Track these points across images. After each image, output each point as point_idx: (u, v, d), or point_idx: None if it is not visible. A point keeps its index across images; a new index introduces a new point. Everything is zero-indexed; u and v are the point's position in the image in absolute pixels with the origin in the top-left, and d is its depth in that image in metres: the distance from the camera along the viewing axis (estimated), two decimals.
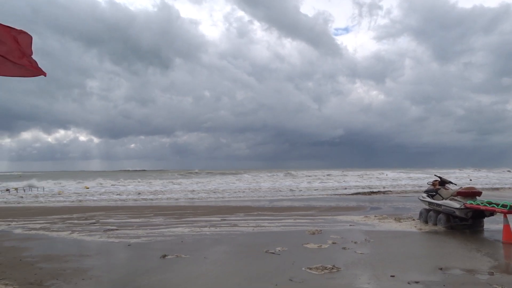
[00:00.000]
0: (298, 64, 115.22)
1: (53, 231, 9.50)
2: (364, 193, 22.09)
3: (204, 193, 23.17)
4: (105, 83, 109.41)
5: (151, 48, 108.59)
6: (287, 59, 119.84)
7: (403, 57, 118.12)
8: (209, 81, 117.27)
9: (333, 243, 7.48)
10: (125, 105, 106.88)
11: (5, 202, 18.81)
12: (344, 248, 6.99)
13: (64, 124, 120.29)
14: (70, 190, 25.25)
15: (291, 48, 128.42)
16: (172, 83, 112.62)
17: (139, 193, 22.95)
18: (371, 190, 24.45)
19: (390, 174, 47.90)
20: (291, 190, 25.13)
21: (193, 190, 25.04)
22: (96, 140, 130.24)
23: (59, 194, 22.66)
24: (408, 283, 4.89)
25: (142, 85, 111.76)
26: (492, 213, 8.44)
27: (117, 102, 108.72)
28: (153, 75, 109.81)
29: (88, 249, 7.37)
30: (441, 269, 5.51)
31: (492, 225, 9.20)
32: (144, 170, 67.22)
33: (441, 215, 9.22)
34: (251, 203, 17.01)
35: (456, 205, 8.76)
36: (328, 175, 45.68)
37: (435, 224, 9.31)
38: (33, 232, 9.43)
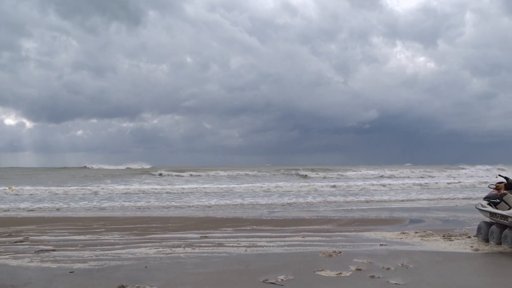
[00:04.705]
0: (315, 19, 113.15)
1: None
2: None
3: (173, 197, 23.14)
4: (47, 45, 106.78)
5: None
6: (301, 12, 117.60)
7: (463, 10, 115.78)
8: (194, 42, 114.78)
9: (358, 269, 7.49)
10: (73, 76, 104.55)
11: None
12: (372, 277, 7.00)
13: None
14: None
15: None
16: (143, 45, 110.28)
17: (85, 199, 22.88)
18: None
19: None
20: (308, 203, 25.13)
21: (161, 193, 25.07)
22: (29, 124, 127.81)
23: None
24: None
25: (100, 48, 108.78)
26: None
27: (63, 70, 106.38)
28: (116, 34, 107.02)
29: (13, 278, 7.32)
30: None
31: None
32: (89, 167, 67.04)
33: (507, 231, 9.24)
34: (242, 213, 17.03)
35: None
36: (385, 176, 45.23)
37: (499, 243, 9.34)
38: None
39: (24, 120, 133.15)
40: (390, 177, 44.37)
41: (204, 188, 29.04)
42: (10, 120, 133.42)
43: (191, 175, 46.37)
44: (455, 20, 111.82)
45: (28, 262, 8.43)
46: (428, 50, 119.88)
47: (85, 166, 68.03)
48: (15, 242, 10.72)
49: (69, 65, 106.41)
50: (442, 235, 10.83)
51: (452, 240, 10.24)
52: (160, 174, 47.11)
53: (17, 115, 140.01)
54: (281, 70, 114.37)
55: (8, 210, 18.77)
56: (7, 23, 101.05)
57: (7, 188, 27.54)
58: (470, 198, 22.60)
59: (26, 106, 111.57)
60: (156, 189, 28.56)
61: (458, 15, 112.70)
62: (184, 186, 30.46)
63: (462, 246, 9.64)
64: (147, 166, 65.46)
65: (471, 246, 9.51)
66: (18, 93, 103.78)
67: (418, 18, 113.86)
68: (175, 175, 45.99)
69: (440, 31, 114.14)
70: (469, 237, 10.56)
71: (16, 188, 28.09)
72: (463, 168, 56.31)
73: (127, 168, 63.51)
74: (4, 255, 9.06)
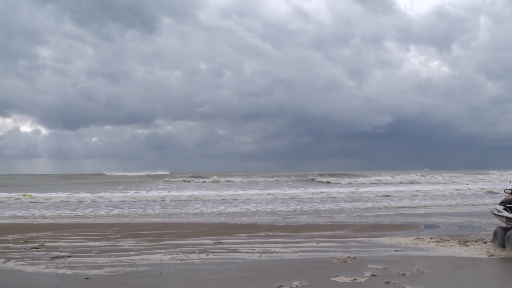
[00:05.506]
0: (328, 24, 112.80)
1: None
2: None
3: (188, 203, 23.17)
4: (62, 52, 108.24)
5: (130, 3, 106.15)
6: (313, 17, 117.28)
7: (477, 13, 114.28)
8: (207, 48, 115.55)
9: (373, 275, 7.45)
10: (88, 83, 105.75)
11: None
12: (387, 283, 6.96)
13: (2, 109, 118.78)
14: (5, 201, 25.37)
15: (319, 1, 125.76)
16: (157, 52, 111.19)
17: (103, 206, 23.00)
18: None
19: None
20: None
21: (177, 199, 25.14)
22: (44, 131, 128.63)
23: None
24: None
25: (114, 55, 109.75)
26: None
27: (78, 78, 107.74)
28: (131, 41, 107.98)
29: (29, 284, 7.38)
30: None
31: None
32: (104, 173, 67.57)
33: None
34: (256, 219, 17.01)
35: None
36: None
37: None
38: None
39: (40, 127, 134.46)
40: (412, 182, 44.11)
41: (218, 194, 29.05)
42: (26, 127, 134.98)
43: (204, 181, 46.52)
44: (469, 24, 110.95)
45: (44, 268, 8.49)
46: (442, 55, 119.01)
47: (103, 173, 68.44)
48: (31, 248, 10.81)
49: (84, 72, 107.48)
50: (457, 241, 10.74)
51: (468, 246, 10.14)
52: (166, 180, 47.44)
53: (33, 122, 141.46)
54: (294, 76, 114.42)
55: (24, 217, 18.93)
56: (24, 31, 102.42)
57: (22, 195, 27.81)
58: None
59: (42, 113, 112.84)
60: (173, 195, 28.61)
61: (472, 19, 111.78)
62: (197, 193, 30.51)
63: (478, 251, 9.54)
64: (165, 173, 65.57)
65: (487, 252, 9.41)
66: (34, 100, 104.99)
67: (432, 22, 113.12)
68: (198, 182, 46.23)
69: (454, 35, 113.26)
70: (485, 242, 10.45)
71: (32, 194, 28.35)
72: (488, 173, 55.33)
73: (147, 175, 63.59)
74: (20, 261, 9.14)
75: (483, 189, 32.63)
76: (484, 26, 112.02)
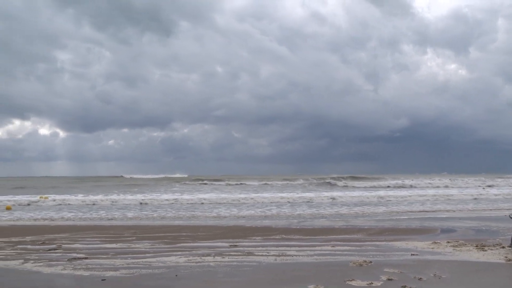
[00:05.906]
0: (344, 27, 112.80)
1: None
2: None
3: (199, 206, 23.25)
4: (81, 56, 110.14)
5: (148, 8, 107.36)
6: (330, 20, 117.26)
7: (495, 16, 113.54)
8: (224, 51, 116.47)
9: (389, 279, 7.41)
10: (105, 86, 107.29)
11: None
12: (404, 287, 6.92)
13: (21, 112, 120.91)
14: (23, 203, 25.64)
15: (335, 4, 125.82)
16: (174, 55, 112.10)
17: (115, 207, 23.15)
18: None
19: None
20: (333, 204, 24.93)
21: (192, 203, 25.23)
22: (62, 134, 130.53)
23: (8, 209, 23.00)
24: None
25: (132, 59, 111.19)
26: None
27: (96, 81, 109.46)
28: (148, 45, 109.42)
29: (46, 285, 7.46)
30: None
31: None
32: (122, 176, 68.11)
33: None
34: (271, 222, 17.01)
35: None
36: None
37: None
38: None
39: (58, 130, 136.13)
40: (430, 186, 43.76)
41: (233, 197, 29.10)
42: (44, 130, 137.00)
43: (220, 184, 46.73)
44: (487, 27, 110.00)
45: (61, 269, 8.58)
46: (459, 57, 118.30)
47: (122, 176, 69.05)
48: (49, 250, 10.92)
49: (102, 76, 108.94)
50: (475, 245, 10.63)
51: (486, 251, 10.04)
52: (184, 183, 47.65)
53: (51, 125, 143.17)
54: (310, 79, 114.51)
55: (42, 219, 19.13)
56: (43, 35, 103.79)
57: (38, 197, 28.11)
58: None
59: (60, 116, 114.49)
60: (188, 198, 28.73)
61: (489, 21, 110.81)
62: (212, 196, 30.63)
63: (495, 256, 9.44)
64: (183, 175, 65.92)
65: (505, 257, 9.30)
66: (52, 103, 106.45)
67: (449, 25, 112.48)
68: (215, 184, 46.46)
69: (471, 38, 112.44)
70: (503, 247, 10.34)
71: (49, 197, 28.64)
72: (510, 177, 54.41)
73: (165, 177, 63.94)
74: (38, 262, 9.25)
75: (502, 193, 32.29)
76: (502, 29, 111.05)
